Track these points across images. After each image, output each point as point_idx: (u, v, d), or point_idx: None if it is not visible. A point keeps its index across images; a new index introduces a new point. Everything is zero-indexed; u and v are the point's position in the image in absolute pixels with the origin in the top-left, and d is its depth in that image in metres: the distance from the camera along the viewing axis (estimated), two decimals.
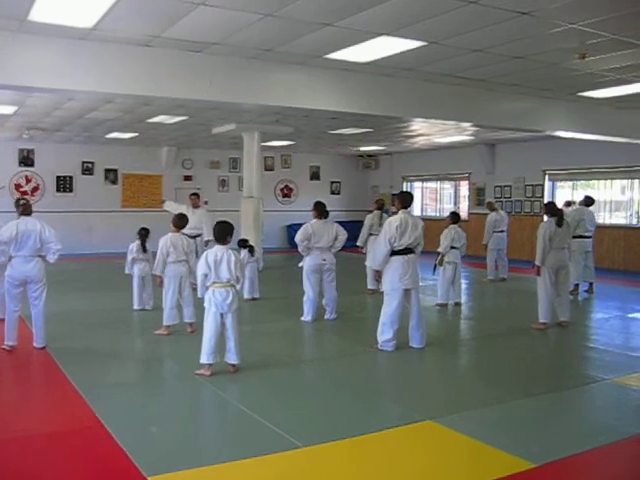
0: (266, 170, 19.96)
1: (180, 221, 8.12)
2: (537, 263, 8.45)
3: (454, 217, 10.51)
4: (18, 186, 17.69)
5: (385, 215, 10.91)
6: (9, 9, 6.03)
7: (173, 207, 12.19)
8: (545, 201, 14.15)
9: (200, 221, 11.55)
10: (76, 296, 10.78)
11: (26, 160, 17.88)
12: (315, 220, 8.85)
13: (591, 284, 11.58)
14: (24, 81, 6.95)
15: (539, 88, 9.61)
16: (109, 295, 10.90)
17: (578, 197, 14.33)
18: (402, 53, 7.54)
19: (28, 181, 17.91)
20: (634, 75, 8.50)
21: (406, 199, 7.48)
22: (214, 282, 6.10)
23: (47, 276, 7.15)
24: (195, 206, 11.93)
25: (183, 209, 11.55)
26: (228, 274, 6.08)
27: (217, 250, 6.13)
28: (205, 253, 6.20)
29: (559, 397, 5.70)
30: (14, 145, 17.40)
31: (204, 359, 6.13)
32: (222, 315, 6.15)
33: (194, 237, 10.06)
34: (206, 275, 6.11)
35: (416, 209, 20.87)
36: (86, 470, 4.17)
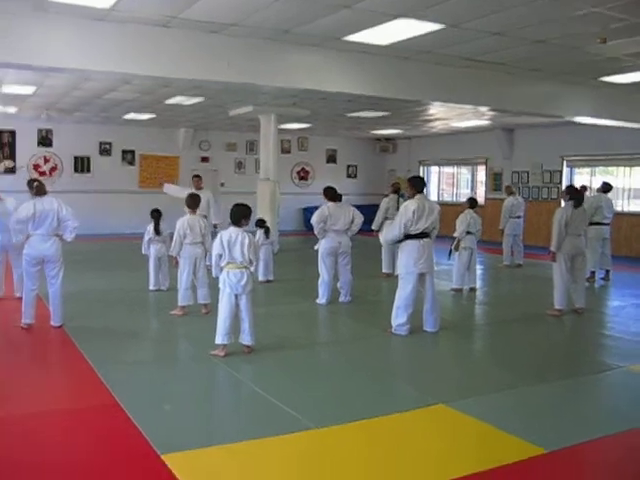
0: (283, 153, 19.95)
1: (193, 201, 8.11)
2: (552, 249, 8.40)
3: (472, 202, 10.47)
4: (37, 166, 17.80)
5: (402, 199, 10.85)
6: None
7: (173, 190, 12.12)
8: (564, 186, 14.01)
9: (206, 202, 11.48)
10: (93, 276, 10.88)
11: (45, 140, 17.98)
12: (331, 203, 8.84)
13: (607, 271, 11.50)
14: (42, 61, 6.98)
15: (560, 73, 9.51)
16: (125, 275, 10.98)
17: (596, 183, 14.20)
18: (421, 36, 7.48)
19: (46, 161, 18.01)
20: None
21: (418, 183, 7.38)
22: (228, 263, 6.12)
23: (64, 256, 7.20)
24: (198, 188, 11.83)
25: (186, 191, 11.57)
26: (241, 257, 6.11)
27: (232, 232, 6.15)
28: (220, 234, 6.21)
29: (573, 384, 5.68)
30: (33, 125, 17.48)
31: (219, 340, 6.17)
32: (236, 296, 6.18)
33: None
34: (220, 255, 6.14)
35: (433, 194, 20.81)
36: (100, 447, 4.22)
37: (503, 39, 7.57)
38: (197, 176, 12.34)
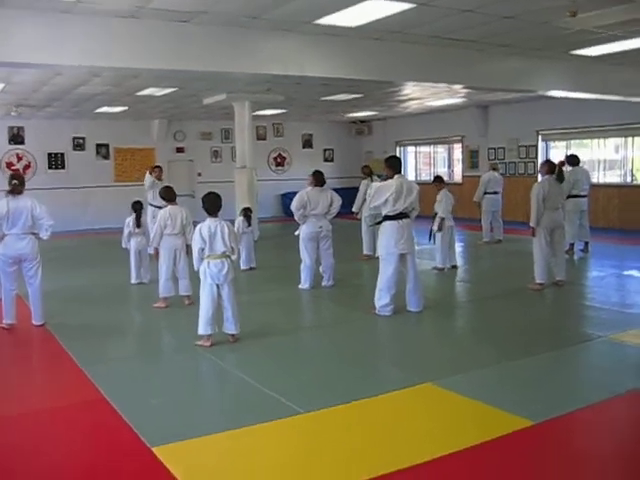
0: (258, 140, 19.83)
1: (169, 193, 8.08)
2: (532, 224, 8.45)
3: (442, 180, 10.54)
4: (9, 164, 17.53)
5: (378, 179, 10.82)
6: None
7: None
8: (542, 161, 14.09)
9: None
10: (72, 272, 10.78)
11: (16, 138, 17.71)
12: (310, 188, 8.83)
13: (586, 243, 11.61)
14: (8, 57, 6.84)
15: (531, 48, 9.51)
16: (106, 270, 10.88)
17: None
18: (391, 16, 7.44)
19: (19, 159, 17.76)
20: (626, 31, 8.41)
21: (395, 164, 7.38)
22: (208, 255, 6.10)
23: (42, 253, 7.13)
24: (159, 179, 11.84)
25: (149, 182, 11.85)
26: (223, 246, 6.09)
27: (210, 223, 6.11)
28: (199, 227, 6.16)
29: (557, 356, 5.75)
30: (3, 123, 17.20)
31: (202, 330, 6.16)
32: (218, 286, 6.16)
33: (160, 208, 9.60)
34: (202, 249, 6.11)
35: (410, 174, 20.83)
36: (91, 443, 4.21)
37: (473, 16, 7.55)
38: (157, 167, 12.33)
